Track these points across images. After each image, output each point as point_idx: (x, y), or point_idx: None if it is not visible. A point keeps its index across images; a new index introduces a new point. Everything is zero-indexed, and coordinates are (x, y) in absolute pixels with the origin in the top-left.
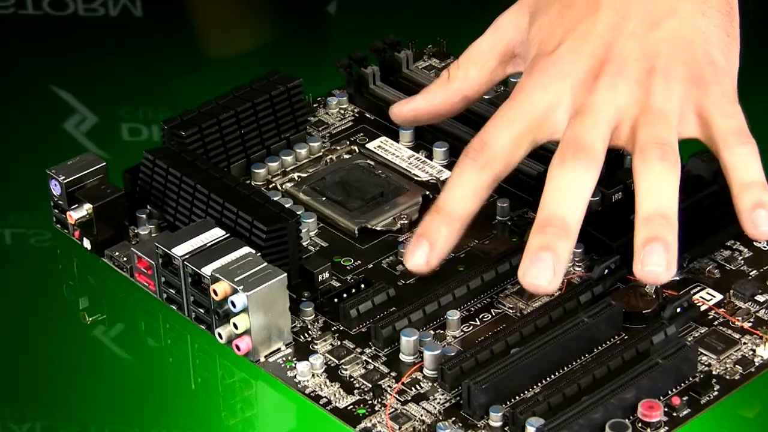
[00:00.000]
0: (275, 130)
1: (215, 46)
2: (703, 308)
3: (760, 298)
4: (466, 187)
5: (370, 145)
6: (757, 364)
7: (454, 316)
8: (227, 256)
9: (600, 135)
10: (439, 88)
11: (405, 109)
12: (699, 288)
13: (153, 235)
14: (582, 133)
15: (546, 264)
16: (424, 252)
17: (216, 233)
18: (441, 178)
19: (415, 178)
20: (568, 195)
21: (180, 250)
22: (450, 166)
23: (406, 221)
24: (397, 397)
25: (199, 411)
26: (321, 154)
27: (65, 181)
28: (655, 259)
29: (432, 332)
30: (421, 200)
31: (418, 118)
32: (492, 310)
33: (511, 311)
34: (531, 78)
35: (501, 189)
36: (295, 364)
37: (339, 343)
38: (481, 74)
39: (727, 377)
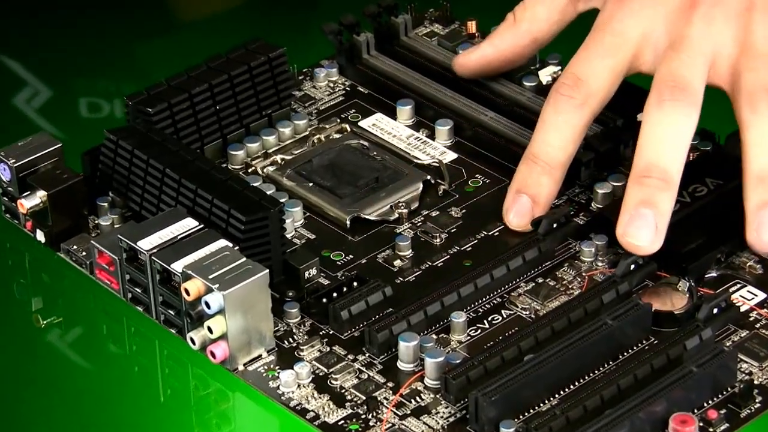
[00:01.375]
0: (255, 107)
1: (186, 7)
2: (743, 308)
3: None
4: (565, 130)
5: (364, 123)
6: None
7: (459, 318)
8: (201, 250)
9: (698, 72)
10: (505, 31)
11: (472, 58)
12: (739, 285)
13: (116, 226)
14: (679, 69)
15: (647, 221)
16: (527, 208)
17: (188, 224)
18: (445, 161)
19: (415, 160)
20: (668, 141)
21: (147, 244)
22: (456, 146)
23: (404, 210)
24: (394, 410)
25: (169, 427)
26: (307, 133)
27: (16, 164)
28: None
29: (434, 337)
30: (422, 186)
31: (487, 66)
32: (503, 312)
33: (524, 312)
34: (621, 5)
35: (511, 170)
36: (279, 373)
37: (328, 349)
38: (550, 13)
39: None
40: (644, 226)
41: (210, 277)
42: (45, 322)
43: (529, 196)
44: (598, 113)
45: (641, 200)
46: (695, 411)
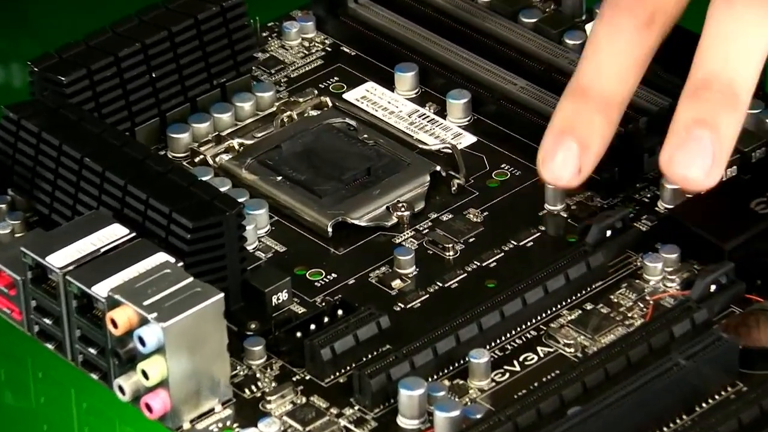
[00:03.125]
0: (204, 74)
1: None
2: None
3: None
4: (624, 56)
5: (350, 96)
6: None
7: (480, 357)
8: (132, 267)
9: None
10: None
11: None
12: None
13: (17, 235)
14: None
15: (703, 146)
16: (574, 155)
17: (115, 232)
18: (460, 146)
19: (420, 146)
20: (737, 47)
21: (59, 259)
22: (474, 126)
23: (406, 213)
24: None
25: None
26: (275, 110)
27: None
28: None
29: (447, 383)
30: (429, 181)
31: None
32: (539, 349)
33: (568, 350)
34: None
35: None
36: None
37: (304, 400)
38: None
39: None
40: (698, 151)
41: (145, 303)
42: None
43: (576, 139)
44: (667, 35)
45: (696, 119)
46: None
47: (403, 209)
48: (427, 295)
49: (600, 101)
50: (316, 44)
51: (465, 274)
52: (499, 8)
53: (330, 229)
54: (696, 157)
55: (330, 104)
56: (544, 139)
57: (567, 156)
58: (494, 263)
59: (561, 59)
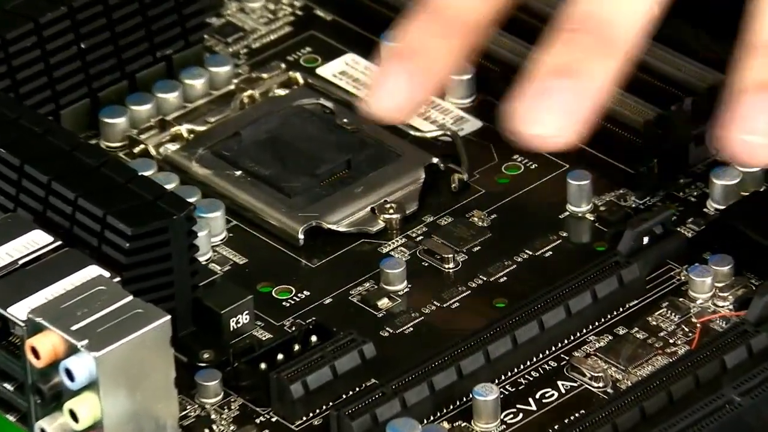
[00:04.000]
0: (145, 44)
1: None
2: None
3: None
4: None
5: (326, 71)
6: None
7: (488, 394)
8: (58, 283)
9: None
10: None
11: None
12: None
13: None
14: None
15: (561, 97)
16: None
17: (36, 240)
18: (461, 133)
19: (413, 132)
20: None
21: None
22: (479, 108)
23: (395, 216)
24: None
25: None
26: (232, 88)
27: None
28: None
29: (447, 426)
30: (424, 176)
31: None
32: (560, 384)
33: (596, 385)
34: None
35: (584, 155)
36: None
37: None
38: None
39: None
40: (553, 103)
41: (73, 328)
42: None
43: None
44: None
45: (557, 68)
46: None
47: (391, 211)
48: (422, 318)
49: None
50: (284, 7)
51: (468, 292)
52: None
53: (301, 236)
54: (549, 110)
55: (301, 81)
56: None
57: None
58: (504, 278)
59: None
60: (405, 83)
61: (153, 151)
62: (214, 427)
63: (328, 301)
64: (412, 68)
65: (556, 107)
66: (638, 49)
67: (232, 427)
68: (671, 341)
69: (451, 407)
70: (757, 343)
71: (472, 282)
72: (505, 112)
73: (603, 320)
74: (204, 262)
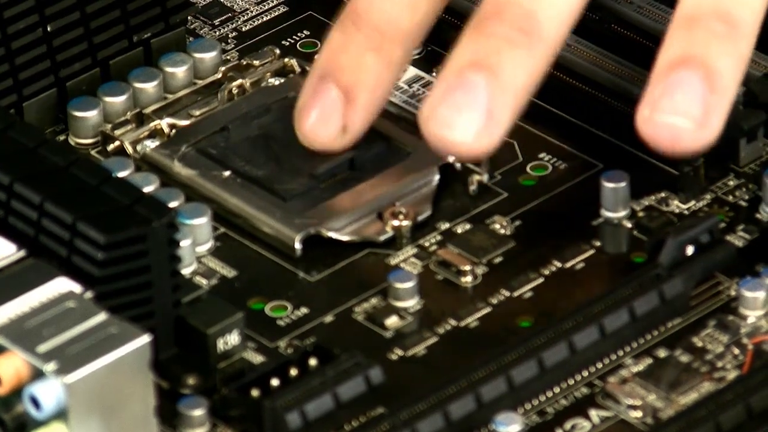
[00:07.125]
0: (120, 26)
1: None
2: None
3: None
4: None
5: None
6: None
7: (510, 424)
8: (21, 298)
9: None
10: None
11: None
12: None
13: None
14: None
15: (473, 95)
16: (335, 107)
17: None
18: None
19: None
20: None
21: None
22: None
23: (405, 223)
24: None
25: None
26: (219, 77)
27: None
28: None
29: None
30: (438, 177)
31: None
32: (592, 412)
33: (633, 414)
34: None
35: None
36: None
37: None
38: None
39: None
40: (468, 103)
41: (39, 350)
42: None
43: (340, 86)
44: None
45: (472, 61)
46: None
47: (401, 217)
48: (436, 338)
49: (373, 33)
50: None
51: (489, 309)
52: None
53: (299, 246)
54: (463, 109)
55: (297, 69)
56: (305, 84)
57: (326, 108)
58: (530, 293)
59: (624, 5)
60: (337, 108)
61: (129, 149)
62: None
63: (329, 319)
64: (344, 88)
65: (470, 107)
66: (562, 46)
67: None
68: (719, 365)
69: None
70: None
71: (493, 298)
72: (419, 114)
73: (642, 341)
74: (188, 275)
